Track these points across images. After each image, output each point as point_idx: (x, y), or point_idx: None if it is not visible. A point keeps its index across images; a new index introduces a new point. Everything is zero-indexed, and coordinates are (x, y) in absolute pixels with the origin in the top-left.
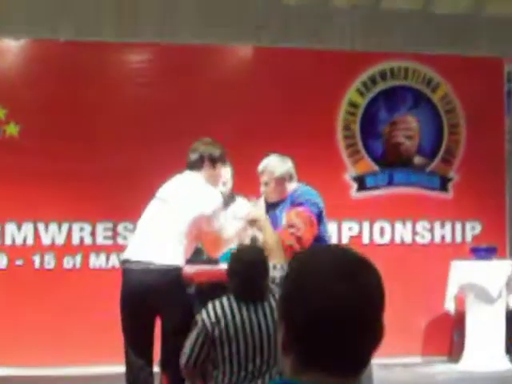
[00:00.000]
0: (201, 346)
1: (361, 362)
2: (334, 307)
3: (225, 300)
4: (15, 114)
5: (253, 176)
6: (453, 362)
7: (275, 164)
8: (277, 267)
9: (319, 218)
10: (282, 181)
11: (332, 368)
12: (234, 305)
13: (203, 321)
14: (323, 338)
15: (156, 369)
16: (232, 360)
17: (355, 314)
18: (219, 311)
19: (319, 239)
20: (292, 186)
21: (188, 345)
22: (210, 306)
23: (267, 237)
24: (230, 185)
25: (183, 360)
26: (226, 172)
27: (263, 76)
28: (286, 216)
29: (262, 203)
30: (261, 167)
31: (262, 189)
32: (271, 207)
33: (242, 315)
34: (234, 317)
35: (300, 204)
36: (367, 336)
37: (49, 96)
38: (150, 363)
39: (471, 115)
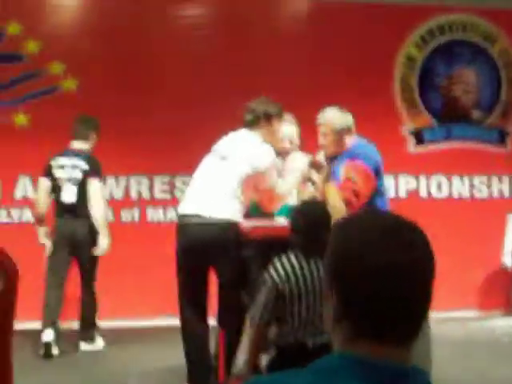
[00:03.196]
0: (273, 304)
1: (414, 326)
2: (386, 262)
3: (292, 256)
4: (73, 69)
5: (308, 133)
6: (510, 316)
7: (335, 116)
8: None
9: (376, 172)
10: (341, 134)
11: (385, 334)
12: (302, 260)
13: (272, 277)
14: (376, 297)
15: (212, 323)
16: (300, 315)
17: (409, 269)
18: (288, 267)
19: (376, 193)
20: (350, 140)
21: (260, 303)
22: (277, 262)
23: (331, 195)
24: (296, 142)
25: (256, 319)
26: (291, 130)
27: (319, 30)
28: (343, 170)
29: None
30: (321, 119)
31: (321, 140)
32: (329, 161)
33: (309, 270)
34: (302, 272)
35: (357, 158)
36: (420, 295)
37: (106, 50)
38: (205, 318)
39: None
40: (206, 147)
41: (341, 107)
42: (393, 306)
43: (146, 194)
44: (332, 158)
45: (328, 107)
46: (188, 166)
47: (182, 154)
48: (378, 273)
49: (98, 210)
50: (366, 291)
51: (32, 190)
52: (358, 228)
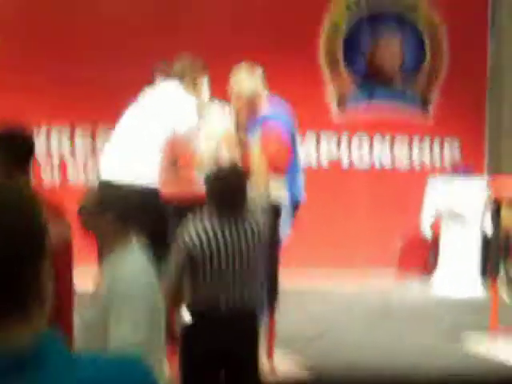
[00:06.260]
0: (183, 268)
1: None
2: None
3: (205, 219)
4: None
5: (224, 82)
6: (426, 284)
7: (244, 84)
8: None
9: (293, 141)
10: (252, 99)
11: None
12: (215, 222)
13: (184, 241)
14: None
15: None
16: (212, 277)
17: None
18: (200, 230)
19: (293, 162)
20: (264, 99)
21: (171, 269)
22: (190, 225)
23: (255, 161)
24: (207, 94)
25: (169, 279)
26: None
27: None
28: (260, 139)
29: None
30: (232, 89)
31: (235, 108)
32: (245, 129)
33: (222, 232)
34: (214, 234)
35: (274, 127)
36: None
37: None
38: None
39: (454, 37)
40: (127, 97)
41: (251, 65)
42: None
43: (66, 145)
44: (247, 126)
45: (236, 68)
46: (109, 118)
47: (103, 103)
48: None
49: None
50: None
51: None
52: None
